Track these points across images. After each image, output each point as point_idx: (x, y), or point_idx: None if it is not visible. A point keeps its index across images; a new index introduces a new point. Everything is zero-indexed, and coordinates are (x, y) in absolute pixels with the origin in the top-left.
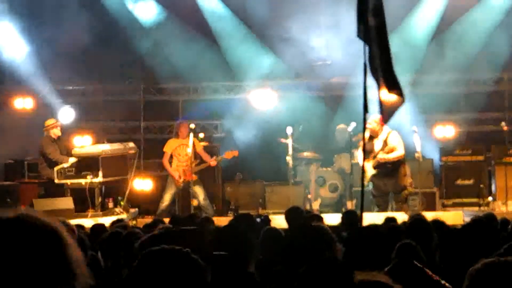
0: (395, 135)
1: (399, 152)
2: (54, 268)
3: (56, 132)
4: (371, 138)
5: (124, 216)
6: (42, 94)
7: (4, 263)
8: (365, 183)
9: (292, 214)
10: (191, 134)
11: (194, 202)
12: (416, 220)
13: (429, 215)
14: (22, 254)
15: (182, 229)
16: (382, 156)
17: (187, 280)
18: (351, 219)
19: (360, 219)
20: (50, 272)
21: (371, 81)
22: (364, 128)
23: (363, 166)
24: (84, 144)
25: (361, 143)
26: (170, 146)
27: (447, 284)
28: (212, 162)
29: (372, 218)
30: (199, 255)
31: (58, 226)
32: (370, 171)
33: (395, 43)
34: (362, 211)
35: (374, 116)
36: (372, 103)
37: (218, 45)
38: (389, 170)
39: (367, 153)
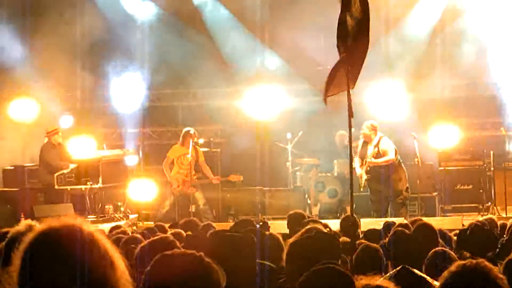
0: (386, 141)
1: (389, 157)
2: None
3: (57, 139)
4: (365, 143)
5: (123, 222)
6: (42, 100)
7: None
8: (361, 188)
9: (294, 219)
10: (191, 142)
11: (194, 208)
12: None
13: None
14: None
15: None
16: (370, 160)
17: (200, 284)
18: (349, 224)
19: (354, 224)
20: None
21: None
22: (350, 133)
23: (351, 173)
24: (83, 150)
25: (357, 149)
26: (174, 152)
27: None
28: (215, 180)
29: (371, 223)
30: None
31: (99, 238)
32: (364, 176)
33: (393, 45)
34: (352, 214)
35: (367, 122)
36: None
37: (218, 50)
38: (382, 174)
39: (362, 159)
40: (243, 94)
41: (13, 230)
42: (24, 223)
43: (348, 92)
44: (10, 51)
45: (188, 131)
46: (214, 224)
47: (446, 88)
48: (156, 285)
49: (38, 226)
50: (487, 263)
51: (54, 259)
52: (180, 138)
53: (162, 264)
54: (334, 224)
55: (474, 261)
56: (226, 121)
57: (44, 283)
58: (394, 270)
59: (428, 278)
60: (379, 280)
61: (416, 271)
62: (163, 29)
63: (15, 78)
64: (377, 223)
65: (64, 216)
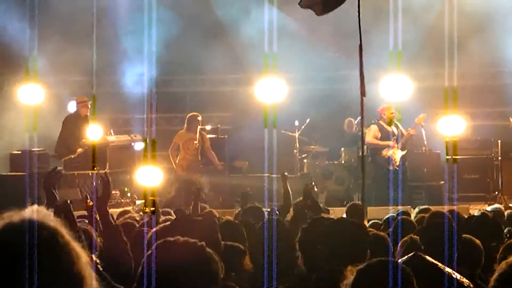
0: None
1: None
2: (58, 275)
3: (85, 111)
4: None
5: (130, 207)
6: (49, 85)
7: (7, 269)
8: (396, 164)
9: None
10: (199, 127)
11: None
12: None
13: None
14: (24, 260)
15: (194, 219)
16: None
17: (199, 273)
18: (356, 212)
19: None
20: (54, 279)
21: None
22: (362, 113)
23: (362, 162)
24: (91, 135)
25: (369, 133)
26: (179, 138)
27: (459, 277)
28: (219, 166)
29: (377, 212)
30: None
31: (59, 231)
32: (398, 153)
33: (402, 33)
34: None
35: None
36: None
37: (227, 36)
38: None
39: (387, 139)
40: (252, 81)
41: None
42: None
43: (361, 71)
44: (18, 36)
45: (195, 115)
46: (215, 212)
47: (454, 77)
48: (155, 269)
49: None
50: None
51: (11, 257)
52: (185, 124)
53: (164, 250)
54: (341, 212)
55: None
56: (233, 108)
57: (6, 274)
58: (407, 256)
59: (441, 265)
60: None
61: (428, 258)
62: (173, 14)
63: (22, 62)
64: (382, 212)
65: (33, 207)
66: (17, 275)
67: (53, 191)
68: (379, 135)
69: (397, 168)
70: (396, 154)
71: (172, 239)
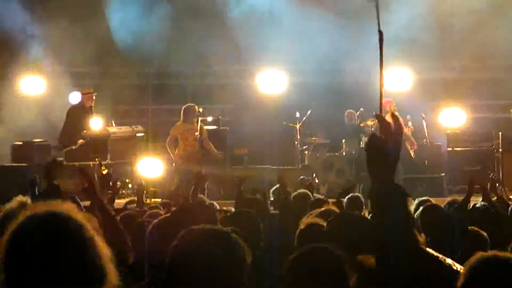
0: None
1: None
2: (83, 269)
3: (89, 102)
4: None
5: (133, 198)
6: (51, 77)
7: (30, 263)
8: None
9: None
10: (199, 119)
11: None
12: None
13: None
14: (48, 252)
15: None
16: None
17: (228, 261)
18: (355, 204)
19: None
20: (78, 273)
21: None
22: (381, 105)
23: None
24: (92, 126)
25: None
26: (177, 129)
27: (460, 268)
28: (219, 154)
29: None
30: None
31: (85, 224)
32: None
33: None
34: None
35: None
36: None
37: (228, 28)
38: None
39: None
40: (253, 73)
41: (6, 207)
42: (16, 200)
43: (381, 59)
44: (19, 27)
45: (191, 106)
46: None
47: (455, 69)
48: (182, 259)
49: (25, 211)
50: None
51: (36, 249)
52: (182, 115)
53: (189, 239)
54: None
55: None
56: (235, 99)
57: (26, 273)
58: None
59: (441, 256)
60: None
61: (429, 249)
62: (174, 6)
63: (24, 54)
64: None
65: (56, 201)
66: (41, 266)
67: (54, 181)
68: None
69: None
70: None
71: (197, 227)
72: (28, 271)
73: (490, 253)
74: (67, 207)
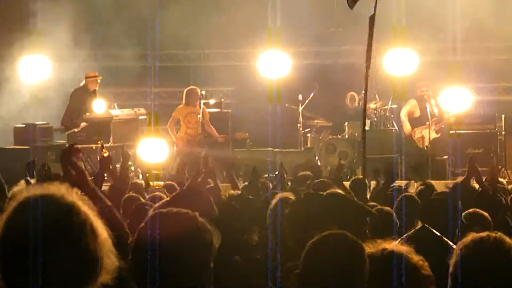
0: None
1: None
2: (70, 255)
3: (93, 85)
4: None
5: (139, 180)
6: (54, 59)
7: (24, 247)
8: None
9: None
10: (201, 102)
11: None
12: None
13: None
14: (37, 240)
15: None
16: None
17: (193, 243)
18: (359, 186)
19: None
20: (74, 257)
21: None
22: (366, 87)
23: (364, 138)
24: (95, 109)
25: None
26: (179, 112)
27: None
28: (220, 139)
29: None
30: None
31: (76, 207)
32: (431, 135)
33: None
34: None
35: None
36: None
37: (230, 10)
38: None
39: (423, 120)
40: (255, 56)
41: (14, 190)
42: (23, 182)
43: (370, 42)
44: (23, 9)
45: (193, 89)
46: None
47: (458, 51)
48: (148, 241)
49: (22, 194)
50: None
51: (30, 231)
52: (184, 97)
53: (156, 222)
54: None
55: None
56: (237, 82)
57: (21, 255)
58: (413, 230)
59: (445, 239)
60: (393, 244)
61: (435, 231)
62: None
63: (27, 35)
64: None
65: (50, 184)
66: (30, 255)
67: (69, 167)
68: (416, 112)
69: (425, 148)
70: (428, 135)
71: (164, 210)
72: (21, 257)
73: (483, 233)
74: (62, 189)
